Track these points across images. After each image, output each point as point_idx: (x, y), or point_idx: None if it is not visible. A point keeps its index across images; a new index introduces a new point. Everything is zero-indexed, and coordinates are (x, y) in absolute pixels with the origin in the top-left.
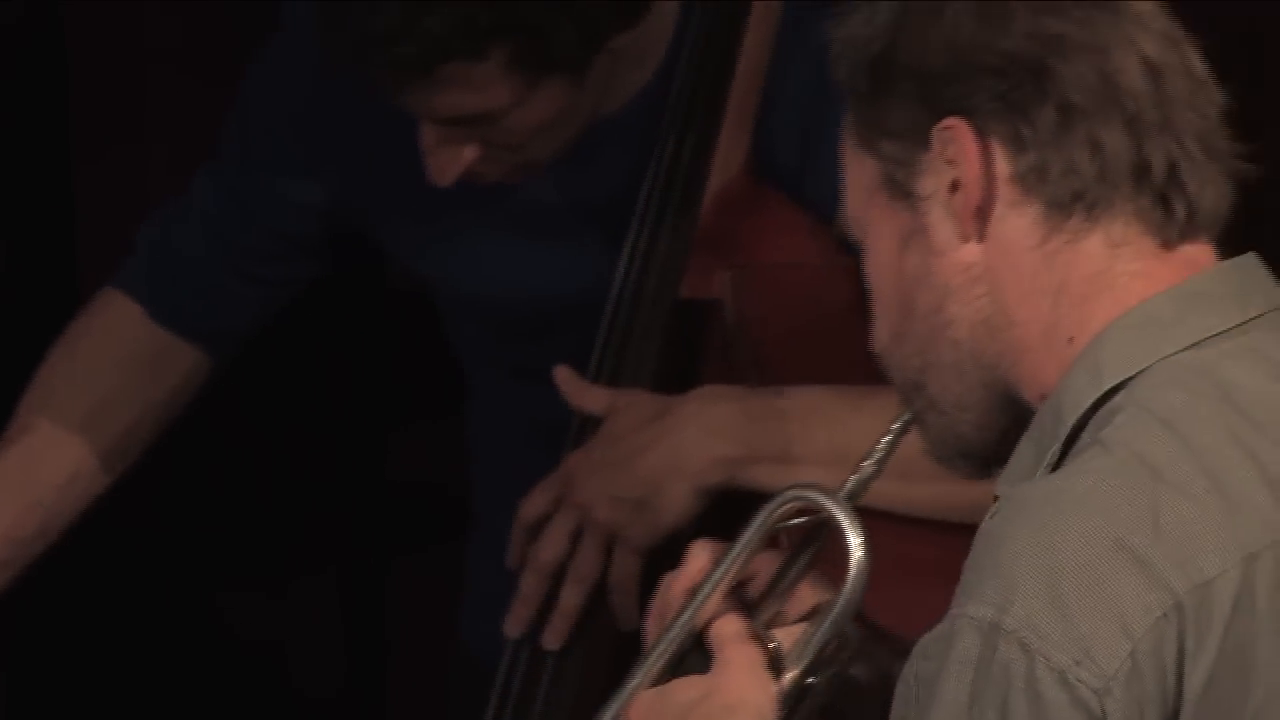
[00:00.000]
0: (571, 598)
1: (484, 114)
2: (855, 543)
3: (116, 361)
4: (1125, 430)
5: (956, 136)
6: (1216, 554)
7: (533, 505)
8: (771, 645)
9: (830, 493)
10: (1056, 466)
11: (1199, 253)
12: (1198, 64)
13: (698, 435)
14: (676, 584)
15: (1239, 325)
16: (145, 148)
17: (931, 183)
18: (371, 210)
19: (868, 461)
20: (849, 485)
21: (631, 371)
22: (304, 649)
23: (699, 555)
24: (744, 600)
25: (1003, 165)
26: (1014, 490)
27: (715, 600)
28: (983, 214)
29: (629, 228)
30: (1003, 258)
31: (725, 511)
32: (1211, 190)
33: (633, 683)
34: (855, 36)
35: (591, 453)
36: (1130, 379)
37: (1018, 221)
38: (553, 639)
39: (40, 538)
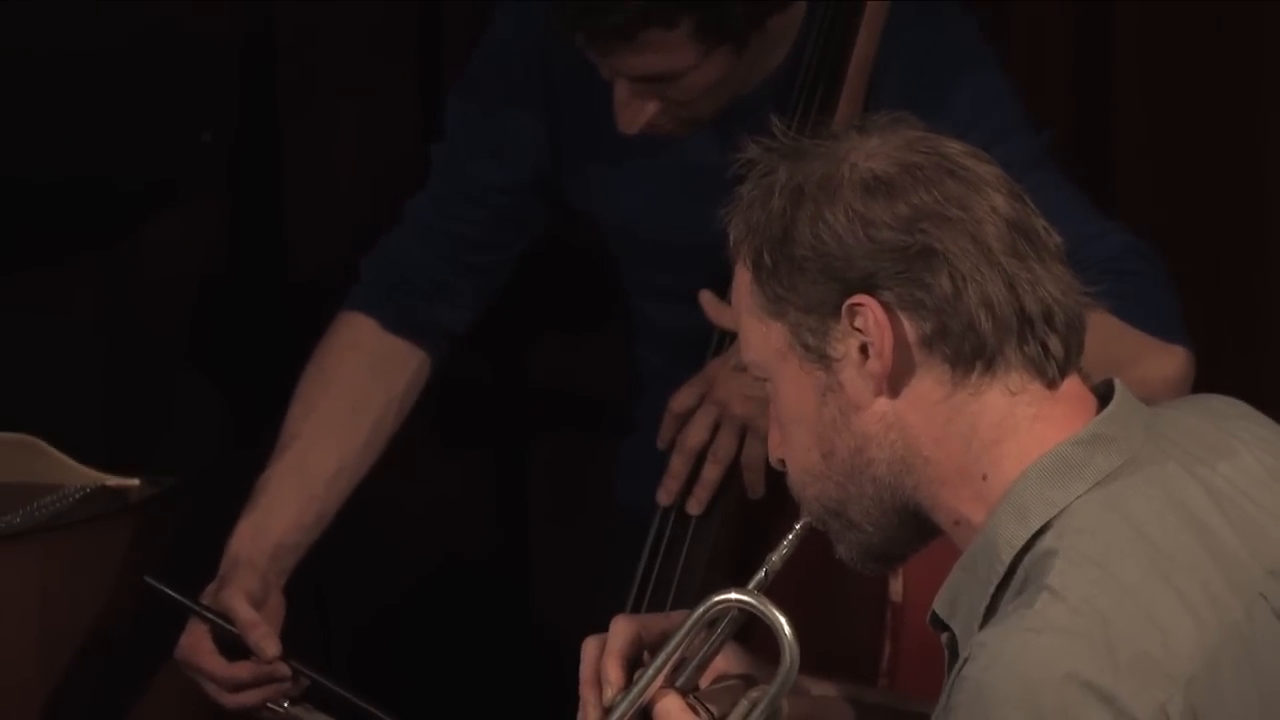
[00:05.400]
0: (711, 474)
1: (669, 73)
2: (781, 624)
3: (359, 369)
4: (1068, 576)
5: (866, 310)
6: (1164, 681)
7: (681, 400)
8: (710, 716)
9: (747, 592)
10: (995, 596)
11: (1074, 386)
12: (1038, 215)
13: None
14: (607, 657)
15: (1131, 460)
16: (338, 133)
17: (842, 347)
18: (567, 155)
19: (774, 556)
20: (757, 579)
21: None
22: (464, 513)
23: (622, 629)
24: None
25: (909, 332)
26: (985, 639)
27: (657, 681)
28: (894, 376)
29: None
30: (914, 410)
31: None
32: (1076, 328)
33: None
34: (755, 220)
35: (729, 359)
36: (1053, 519)
37: (926, 378)
38: (695, 506)
39: (318, 524)
